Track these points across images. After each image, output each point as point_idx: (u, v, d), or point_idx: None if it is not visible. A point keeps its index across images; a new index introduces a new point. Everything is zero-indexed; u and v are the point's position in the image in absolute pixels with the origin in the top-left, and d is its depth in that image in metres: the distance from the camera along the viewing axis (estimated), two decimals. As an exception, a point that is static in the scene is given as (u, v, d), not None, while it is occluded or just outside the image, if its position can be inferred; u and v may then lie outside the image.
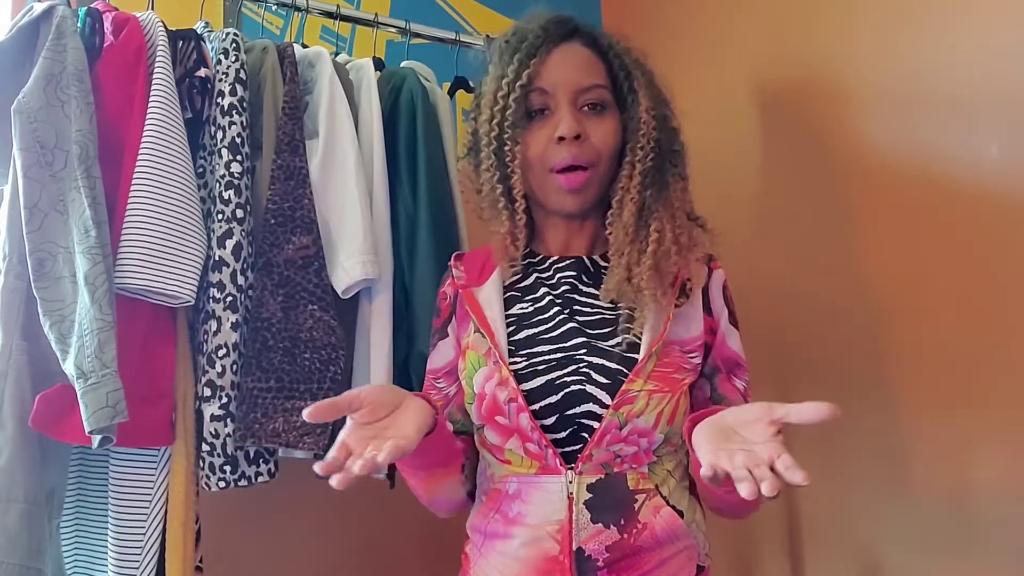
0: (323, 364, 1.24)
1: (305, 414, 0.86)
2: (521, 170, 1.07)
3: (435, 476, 1.08)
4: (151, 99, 1.18)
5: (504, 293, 1.11)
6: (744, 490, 0.74)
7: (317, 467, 0.82)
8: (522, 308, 1.09)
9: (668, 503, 1.00)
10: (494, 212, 1.11)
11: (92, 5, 1.23)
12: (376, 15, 1.55)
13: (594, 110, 1.07)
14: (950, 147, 1.23)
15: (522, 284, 1.12)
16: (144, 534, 1.17)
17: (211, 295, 1.21)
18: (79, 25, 1.18)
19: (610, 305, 1.07)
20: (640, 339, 1.02)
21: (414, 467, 1.06)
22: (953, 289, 1.22)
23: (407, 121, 1.40)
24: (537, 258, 1.14)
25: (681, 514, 1.01)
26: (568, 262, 1.12)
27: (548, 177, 1.06)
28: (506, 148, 1.07)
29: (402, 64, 1.50)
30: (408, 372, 1.36)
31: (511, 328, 1.07)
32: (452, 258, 1.19)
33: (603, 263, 1.11)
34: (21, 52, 1.18)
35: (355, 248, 1.27)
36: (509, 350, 1.05)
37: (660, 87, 1.11)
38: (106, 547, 1.18)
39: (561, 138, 1.04)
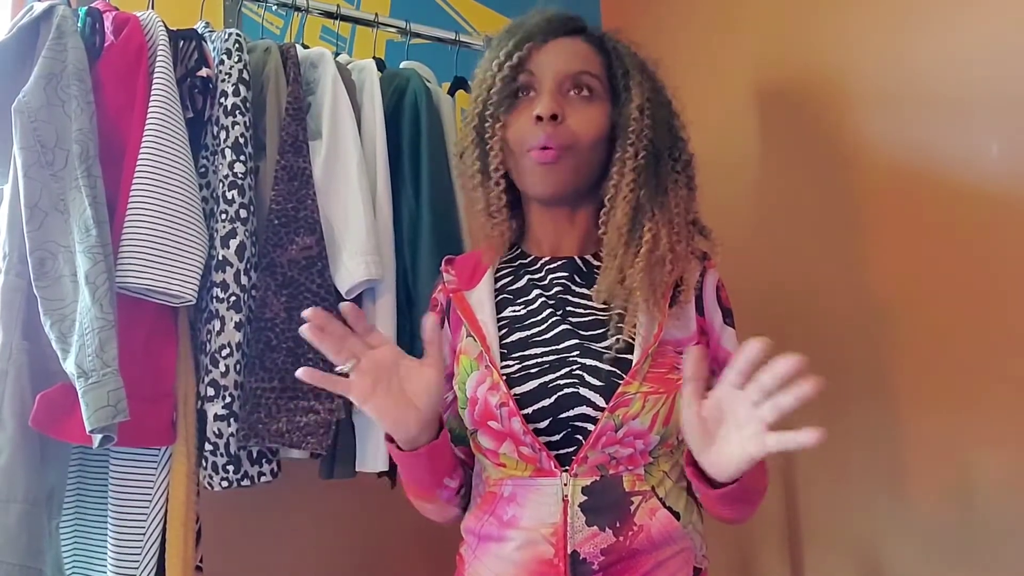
0: (327, 364, 1.23)
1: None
2: (501, 151, 1.07)
3: (425, 494, 1.09)
4: (152, 98, 1.17)
5: (496, 296, 1.10)
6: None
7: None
8: (514, 311, 1.09)
9: (664, 505, 1.00)
10: (473, 191, 1.11)
11: (92, 5, 1.23)
12: (376, 15, 1.55)
13: (580, 95, 1.05)
14: (950, 147, 1.24)
15: (514, 287, 1.11)
16: (144, 534, 1.17)
17: (214, 295, 1.21)
18: (79, 25, 1.18)
19: (603, 306, 1.05)
20: (633, 340, 1.01)
21: (407, 469, 1.06)
22: (953, 289, 1.22)
23: (411, 122, 1.40)
24: (528, 259, 1.13)
25: (677, 516, 1.00)
26: (560, 263, 1.11)
27: (525, 157, 1.05)
28: (487, 125, 1.06)
29: (402, 64, 1.50)
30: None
31: (503, 331, 1.06)
32: (443, 263, 1.18)
33: (595, 263, 1.10)
34: (21, 51, 1.18)
35: (358, 249, 1.27)
36: (502, 353, 1.04)
37: (664, 93, 1.09)
38: (105, 547, 1.18)
39: (539, 118, 1.02)
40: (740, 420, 0.85)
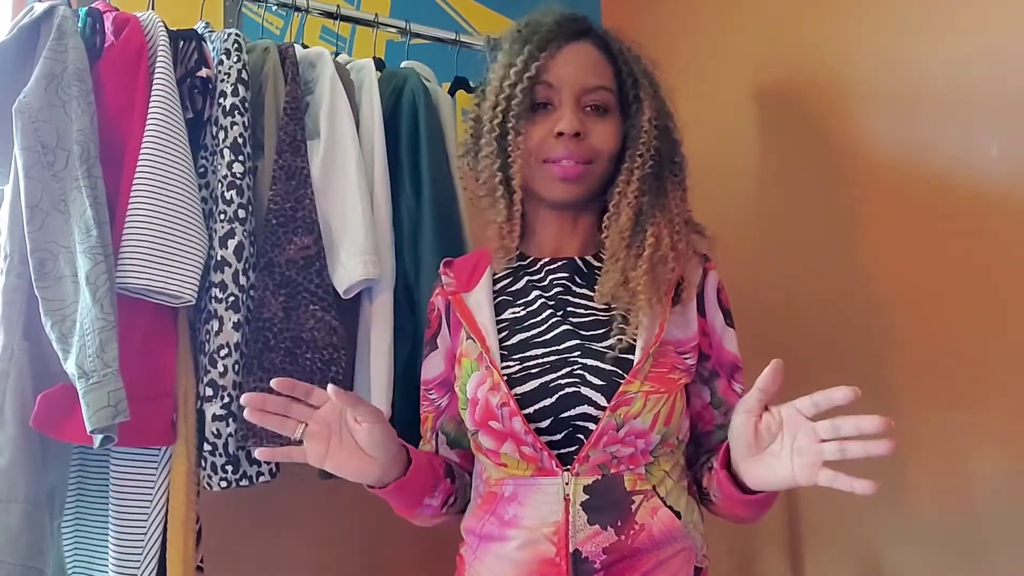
0: (325, 364, 1.24)
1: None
2: (523, 163, 1.07)
3: (405, 514, 1.11)
4: (152, 99, 1.17)
5: (495, 298, 1.11)
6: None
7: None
8: (514, 312, 1.09)
9: (665, 504, 1.00)
10: (491, 201, 1.11)
11: (93, 5, 1.23)
12: (376, 15, 1.55)
13: (596, 111, 1.08)
14: (950, 147, 1.24)
15: (513, 288, 1.12)
16: (145, 534, 1.17)
17: (213, 295, 1.21)
18: (80, 25, 1.18)
19: (604, 306, 1.06)
20: (635, 340, 1.02)
21: (384, 498, 1.06)
22: (953, 289, 1.22)
23: (409, 122, 1.40)
24: (527, 260, 1.14)
25: (678, 515, 1.01)
26: (560, 263, 1.11)
27: (542, 167, 1.07)
28: (508, 137, 1.07)
29: (402, 64, 1.50)
30: (412, 375, 1.35)
31: (503, 333, 1.07)
32: (441, 265, 1.19)
33: (596, 263, 1.11)
34: (22, 52, 1.18)
35: (356, 248, 1.27)
36: (502, 354, 1.04)
37: (665, 99, 1.12)
38: (107, 547, 1.18)
39: (560, 133, 1.04)
40: (798, 446, 0.88)
